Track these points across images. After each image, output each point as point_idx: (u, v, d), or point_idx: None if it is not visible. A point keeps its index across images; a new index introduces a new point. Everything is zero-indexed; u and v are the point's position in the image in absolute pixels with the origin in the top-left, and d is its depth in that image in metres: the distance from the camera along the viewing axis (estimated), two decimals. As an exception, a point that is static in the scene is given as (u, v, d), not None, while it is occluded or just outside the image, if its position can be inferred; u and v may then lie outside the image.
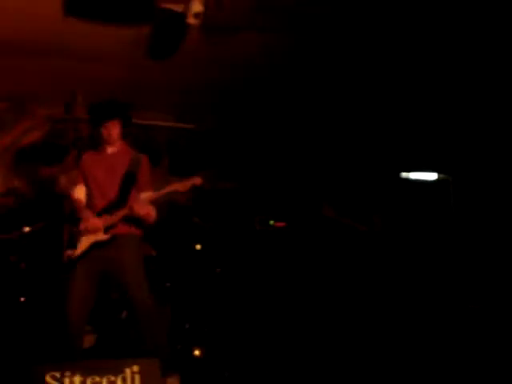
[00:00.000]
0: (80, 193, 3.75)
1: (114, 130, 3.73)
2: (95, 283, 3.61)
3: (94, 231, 3.58)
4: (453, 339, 4.35)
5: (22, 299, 4.59)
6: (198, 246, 5.04)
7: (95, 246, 3.58)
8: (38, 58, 4.96)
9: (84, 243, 3.58)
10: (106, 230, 3.59)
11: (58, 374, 2.94)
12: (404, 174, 4.13)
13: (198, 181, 3.66)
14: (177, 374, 3.65)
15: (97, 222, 3.59)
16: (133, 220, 3.64)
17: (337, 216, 4.39)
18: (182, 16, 3.65)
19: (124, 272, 3.58)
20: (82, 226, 3.59)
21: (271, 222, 5.39)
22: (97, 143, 3.90)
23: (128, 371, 3.02)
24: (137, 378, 3.02)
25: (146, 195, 3.66)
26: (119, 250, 3.59)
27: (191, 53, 4.61)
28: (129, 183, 3.68)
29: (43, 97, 5.68)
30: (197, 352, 4.55)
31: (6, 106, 5.73)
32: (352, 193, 4.99)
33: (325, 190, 5.21)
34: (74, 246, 3.58)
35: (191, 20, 3.68)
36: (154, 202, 3.65)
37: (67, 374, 2.95)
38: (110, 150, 3.78)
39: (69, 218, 3.98)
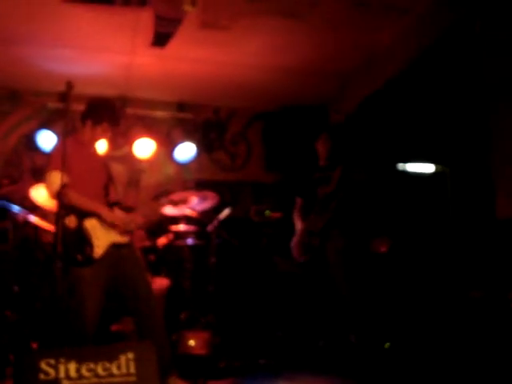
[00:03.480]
0: (58, 180, 3.13)
1: (107, 135, 3.72)
2: (107, 285, 3.48)
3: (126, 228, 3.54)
4: (453, 328, 4.32)
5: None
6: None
7: (112, 246, 3.49)
8: (34, 47, 4.93)
9: (102, 243, 3.44)
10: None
11: (52, 361, 2.88)
12: (401, 166, 4.05)
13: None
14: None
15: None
16: None
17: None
18: (179, 2, 3.63)
19: (138, 273, 3.57)
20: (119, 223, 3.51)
21: (267, 213, 5.33)
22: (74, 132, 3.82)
23: (123, 358, 2.98)
24: (132, 364, 2.98)
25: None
26: (130, 250, 3.60)
27: (189, 41, 4.60)
28: (107, 188, 3.67)
29: (39, 86, 5.67)
30: (191, 342, 4.52)
31: (1, 95, 5.71)
32: None
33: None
34: (89, 244, 3.38)
35: (187, 7, 3.65)
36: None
37: (62, 360, 2.88)
38: (93, 148, 3.73)
39: None
